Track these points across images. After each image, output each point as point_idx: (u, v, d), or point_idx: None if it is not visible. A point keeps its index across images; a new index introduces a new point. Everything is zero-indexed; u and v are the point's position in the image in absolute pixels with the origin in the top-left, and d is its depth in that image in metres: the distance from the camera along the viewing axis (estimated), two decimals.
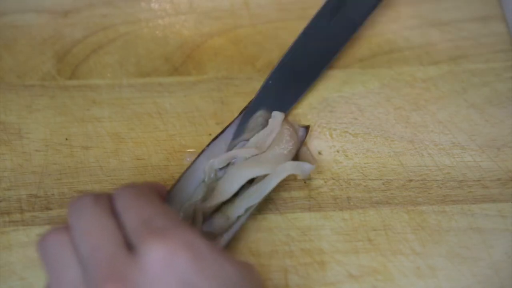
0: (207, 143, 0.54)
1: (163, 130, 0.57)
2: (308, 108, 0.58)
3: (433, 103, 0.58)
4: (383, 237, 0.51)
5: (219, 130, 0.56)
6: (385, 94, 0.59)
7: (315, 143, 0.56)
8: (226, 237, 0.49)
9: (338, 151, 0.56)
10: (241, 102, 0.57)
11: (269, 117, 0.55)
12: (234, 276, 0.40)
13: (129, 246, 0.41)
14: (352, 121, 0.57)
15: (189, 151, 0.55)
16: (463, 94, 0.59)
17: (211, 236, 0.50)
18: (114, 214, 0.43)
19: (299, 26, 0.63)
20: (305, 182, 0.54)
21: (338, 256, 0.50)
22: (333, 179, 0.54)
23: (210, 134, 0.56)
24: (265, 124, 0.55)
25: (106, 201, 0.43)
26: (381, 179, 0.54)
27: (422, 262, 0.50)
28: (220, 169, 0.53)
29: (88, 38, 0.62)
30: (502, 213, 0.52)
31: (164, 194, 0.49)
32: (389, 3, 0.64)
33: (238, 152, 0.53)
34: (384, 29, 0.63)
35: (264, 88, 0.56)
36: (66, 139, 0.56)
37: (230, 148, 0.54)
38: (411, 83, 0.59)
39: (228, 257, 0.41)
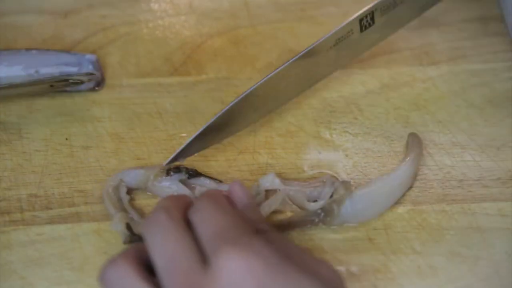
0: None
1: (163, 130, 0.57)
2: (308, 108, 0.58)
3: (432, 103, 0.58)
4: (383, 236, 0.51)
5: None
6: (385, 94, 0.59)
7: (316, 143, 0.56)
8: None
9: (338, 151, 0.56)
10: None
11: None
12: (309, 281, 0.40)
13: (204, 258, 0.41)
14: (352, 121, 0.57)
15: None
16: (462, 94, 0.59)
17: None
18: (189, 225, 0.43)
19: (299, 27, 0.63)
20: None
21: (338, 255, 0.50)
22: (332, 177, 0.54)
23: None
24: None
25: (180, 213, 0.44)
26: None
27: (422, 261, 0.50)
28: None
29: (88, 38, 0.62)
30: (502, 212, 0.52)
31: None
32: None
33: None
34: None
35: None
36: (66, 139, 0.56)
37: None
38: (411, 83, 0.59)
39: (300, 265, 0.41)
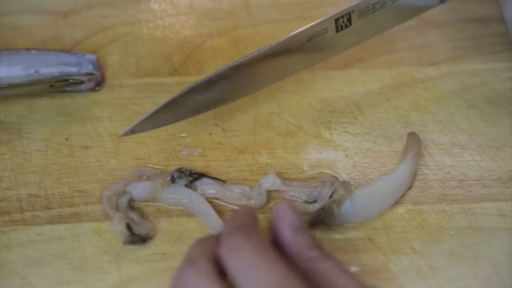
0: (207, 143, 0.55)
1: (163, 130, 0.56)
2: (308, 108, 0.58)
3: (432, 103, 0.58)
4: (383, 236, 0.51)
5: (219, 130, 0.56)
6: (385, 94, 0.59)
7: (316, 143, 0.56)
8: None
9: (338, 151, 0.56)
10: (241, 102, 0.57)
11: None
12: None
13: None
14: (352, 121, 0.57)
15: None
16: (462, 94, 0.59)
17: None
18: (222, 274, 0.40)
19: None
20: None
21: (338, 255, 0.50)
22: (332, 177, 0.54)
23: (210, 134, 0.56)
24: None
25: (208, 262, 0.40)
26: None
27: (422, 261, 0.50)
28: None
29: (88, 38, 0.62)
30: (502, 212, 0.52)
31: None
32: None
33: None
34: None
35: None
36: (66, 139, 0.56)
37: None
38: (411, 83, 0.59)
39: None
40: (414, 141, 0.54)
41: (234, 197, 0.52)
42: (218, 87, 0.53)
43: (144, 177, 0.53)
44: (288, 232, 0.44)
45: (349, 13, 0.54)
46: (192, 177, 0.53)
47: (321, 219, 0.51)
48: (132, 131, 0.52)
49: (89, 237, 0.51)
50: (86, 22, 0.63)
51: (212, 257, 0.41)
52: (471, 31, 0.63)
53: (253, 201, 0.52)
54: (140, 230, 0.50)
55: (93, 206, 0.52)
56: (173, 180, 0.52)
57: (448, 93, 0.59)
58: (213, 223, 0.51)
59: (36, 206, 0.52)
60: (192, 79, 0.60)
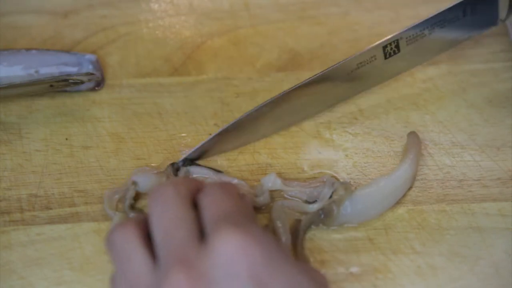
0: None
1: (163, 130, 0.57)
2: None
3: (432, 103, 0.58)
4: (383, 236, 0.51)
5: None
6: (385, 94, 0.59)
7: (316, 143, 0.56)
8: None
9: (338, 151, 0.56)
10: (241, 102, 0.58)
11: None
12: (299, 276, 0.41)
13: (204, 237, 0.42)
14: (352, 121, 0.57)
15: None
16: (462, 94, 0.59)
17: None
18: (194, 206, 0.44)
19: (299, 27, 0.63)
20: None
21: (338, 255, 0.50)
22: (332, 177, 0.54)
23: (210, 134, 0.56)
24: None
25: (188, 193, 0.44)
26: None
27: (422, 261, 0.50)
28: None
29: (88, 38, 0.62)
30: (502, 212, 0.52)
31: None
32: (388, 4, 0.64)
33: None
34: (384, 30, 0.62)
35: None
36: (66, 139, 0.56)
37: None
38: (411, 83, 0.59)
39: (294, 260, 0.43)
40: (414, 141, 0.54)
41: None
42: (262, 120, 0.54)
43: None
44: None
45: (397, 40, 0.54)
46: (188, 164, 0.54)
47: (320, 220, 0.51)
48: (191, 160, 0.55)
49: (89, 237, 0.51)
50: (86, 22, 0.63)
51: (192, 193, 0.45)
52: None
53: (261, 199, 0.52)
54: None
55: (93, 206, 0.52)
56: (176, 172, 0.53)
57: (448, 93, 0.59)
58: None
59: (36, 206, 0.52)
60: (192, 79, 0.60)
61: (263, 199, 0.52)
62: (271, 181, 0.52)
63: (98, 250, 0.50)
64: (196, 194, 0.45)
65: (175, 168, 0.53)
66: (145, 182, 0.52)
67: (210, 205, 0.44)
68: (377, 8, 0.64)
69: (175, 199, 0.43)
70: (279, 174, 0.53)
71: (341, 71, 0.54)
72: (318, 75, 0.53)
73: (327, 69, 0.53)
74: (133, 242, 0.42)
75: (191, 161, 0.54)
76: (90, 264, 0.50)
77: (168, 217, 0.43)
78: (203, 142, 0.54)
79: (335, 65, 0.53)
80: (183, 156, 0.54)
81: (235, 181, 0.53)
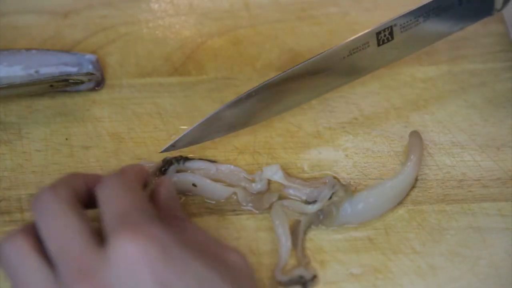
0: (207, 143, 0.55)
1: (163, 130, 0.57)
2: (308, 108, 0.58)
3: (432, 103, 0.58)
4: (383, 236, 0.51)
5: None
6: (385, 94, 0.59)
7: (316, 143, 0.56)
8: None
9: (338, 151, 0.56)
10: None
11: None
12: (210, 272, 0.40)
13: (101, 239, 0.40)
14: (352, 121, 0.57)
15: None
16: (462, 94, 0.59)
17: None
18: (81, 205, 0.42)
19: (299, 27, 0.63)
20: None
21: (338, 255, 0.50)
22: (334, 178, 0.54)
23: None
24: None
25: (69, 194, 0.42)
26: (381, 179, 0.54)
27: (422, 261, 0.50)
28: None
29: (88, 38, 0.62)
30: (502, 212, 0.52)
31: (147, 176, 0.49)
32: (388, 5, 0.64)
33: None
34: None
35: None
36: (66, 139, 0.56)
37: None
38: (411, 83, 0.59)
39: (204, 254, 0.41)
40: (416, 142, 0.54)
41: (234, 179, 0.53)
42: (253, 104, 0.53)
43: None
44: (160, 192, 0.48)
45: (391, 27, 0.54)
46: (178, 162, 0.53)
47: (320, 220, 0.51)
48: (173, 146, 0.53)
49: None
50: (86, 22, 0.63)
51: (79, 189, 0.43)
52: (470, 31, 0.62)
53: (258, 186, 0.52)
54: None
55: None
56: (163, 171, 0.53)
57: (448, 93, 0.59)
58: (215, 192, 0.53)
59: None
60: (192, 79, 0.60)
61: (260, 186, 0.52)
62: (273, 171, 0.52)
63: None
64: (93, 188, 0.43)
65: (166, 164, 0.53)
66: None
67: (107, 201, 0.42)
68: (377, 8, 0.64)
69: (56, 208, 0.41)
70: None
71: (334, 57, 0.53)
72: (310, 60, 0.52)
73: (319, 54, 0.52)
74: (27, 254, 0.41)
75: (183, 158, 0.54)
76: None
77: (56, 227, 0.41)
78: (190, 128, 0.52)
79: (328, 50, 0.52)
80: (170, 143, 0.53)
81: (232, 167, 0.53)
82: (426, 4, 0.54)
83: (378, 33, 0.53)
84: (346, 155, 0.56)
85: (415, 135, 0.54)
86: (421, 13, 0.54)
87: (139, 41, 0.62)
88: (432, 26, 0.55)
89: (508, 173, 0.54)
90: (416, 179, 0.54)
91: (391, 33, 0.54)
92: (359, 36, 0.53)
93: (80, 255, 0.40)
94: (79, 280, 0.39)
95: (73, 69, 0.58)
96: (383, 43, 0.54)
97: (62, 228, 0.41)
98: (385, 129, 0.57)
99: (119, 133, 0.56)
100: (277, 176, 0.52)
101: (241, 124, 0.54)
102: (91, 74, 0.57)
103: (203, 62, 0.61)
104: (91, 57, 0.59)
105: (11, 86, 0.56)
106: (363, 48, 0.54)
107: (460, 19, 0.56)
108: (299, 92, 0.54)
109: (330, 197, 0.51)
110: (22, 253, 0.41)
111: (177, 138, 0.53)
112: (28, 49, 0.59)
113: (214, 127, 0.53)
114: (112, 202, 0.42)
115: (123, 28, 0.63)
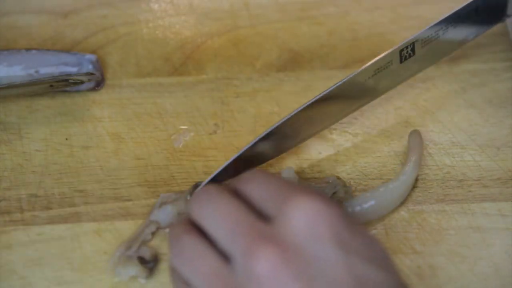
0: (207, 143, 0.55)
1: (163, 130, 0.57)
2: None
3: (432, 103, 0.58)
4: (383, 236, 0.51)
5: (219, 130, 0.56)
6: (385, 94, 0.58)
7: (316, 143, 0.56)
8: None
9: (338, 151, 0.56)
10: (241, 102, 0.57)
11: None
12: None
13: (266, 218, 0.40)
14: (352, 121, 0.57)
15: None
16: (462, 94, 0.59)
17: None
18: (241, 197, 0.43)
19: (299, 27, 0.63)
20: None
21: None
22: (338, 179, 0.54)
23: (210, 134, 0.56)
24: None
25: (229, 189, 0.43)
26: (381, 179, 0.54)
27: (422, 261, 0.50)
28: None
29: (88, 38, 0.62)
30: (502, 212, 0.52)
31: None
32: (388, 5, 0.64)
33: None
34: (384, 30, 0.63)
35: None
36: (66, 139, 0.56)
37: None
38: (411, 83, 0.59)
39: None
40: (416, 142, 0.54)
41: None
42: (281, 134, 0.52)
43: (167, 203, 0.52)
44: None
45: (413, 43, 0.54)
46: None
47: None
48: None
49: (89, 237, 0.51)
50: (86, 22, 0.63)
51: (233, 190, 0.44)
52: None
53: None
54: (147, 254, 0.50)
55: (93, 206, 0.52)
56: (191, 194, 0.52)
57: (448, 93, 0.59)
58: None
59: (36, 206, 0.52)
60: (192, 79, 0.60)
61: None
62: (290, 174, 0.53)
63: (98, 250, 0.50)
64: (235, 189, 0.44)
65: (195, 188, 0.52)
66: (165, 217, 0.51)
67: (256, 188, 0.42)
68: (377, 8, 0.64)
69: (223, 196, 0.42)
70: (280, 174, 0.53)
71: (358, 79, 0.53)
72: (333, 87, 0.52)
73: (344, 79, 0.52)
74: (202, 242, 0.42)
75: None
76: (90, 264, 0.50)
77: (225, 213, 0.41)
78: (226, 163, 0.51)
79: (352, 73, 0.52)
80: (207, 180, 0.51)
81: None
82: (447, 17, 0.54)
83: (401, 51, 0.54)
84: (346, 155, 0.56)
85: (415, 135, 0.54)
86: (441, 26, 0.54)
87: (139, 41, 0.62)
88: (449, 38, 0.55)
89: (508, 173, 0.54)
90: (416, 179, 0.54)
91: (413, 49, 0.54)
92: (383, 56, 0.53)
93: (253, 228, 0.40)
94: (262, 246, 0.38)
95: (73, 69, 0.58)
96: (405, 59, 0.54)
97: (232, 211, 0.41)
98: (385, 129, 0.57)
99: (119, 133, 0.56)
100: (291, 177, 0.52)
101: (275, 153, 0.54)
102: (91, 74, 0.58)
103: (203, 62, 0.61)
104: (91, 57, 0.59)
105: (11, 86, 0.56)
106: (386, 67, 0.54)
107: (474, 28, 0.56)
108: (321, 119, 0.54)
109: (330, 197, 0.51)
110: (197, 241, 0.42)
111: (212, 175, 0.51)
112: (28, 49, 0.59)
113: (242, 163, 0.52)
114: (261, 187, 0.42)
115: (123, 28, 0.63)
